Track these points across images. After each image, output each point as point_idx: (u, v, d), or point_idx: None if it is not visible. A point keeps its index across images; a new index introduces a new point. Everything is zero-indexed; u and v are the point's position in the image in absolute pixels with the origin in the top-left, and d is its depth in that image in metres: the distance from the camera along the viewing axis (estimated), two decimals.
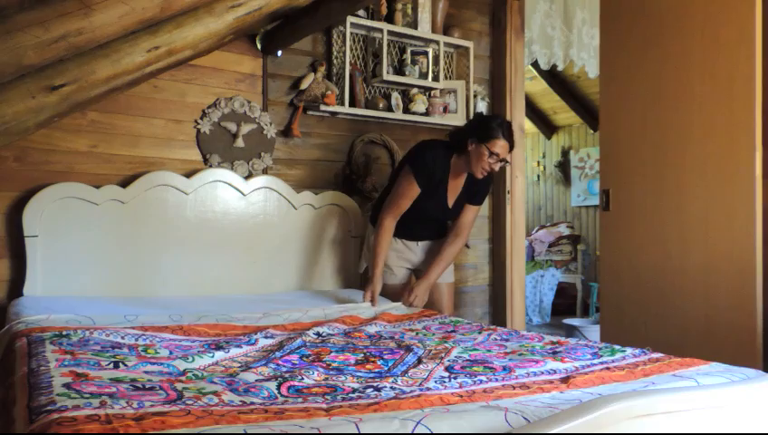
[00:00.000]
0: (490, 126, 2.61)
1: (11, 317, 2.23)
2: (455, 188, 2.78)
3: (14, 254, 2.62)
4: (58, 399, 1.20)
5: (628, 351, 1.79)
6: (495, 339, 2.01)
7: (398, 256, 2.89)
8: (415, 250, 2.92)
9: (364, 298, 2.73)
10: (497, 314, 3.86)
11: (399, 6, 3.47)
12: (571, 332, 5.09)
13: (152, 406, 1.18)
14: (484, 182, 2.77)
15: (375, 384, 1.42)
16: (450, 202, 2.77)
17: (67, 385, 1.30)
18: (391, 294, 2.87)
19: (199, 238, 2.91)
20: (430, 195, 2.72)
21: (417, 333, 2.14)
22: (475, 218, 2.89)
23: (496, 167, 2.63)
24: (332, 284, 3.24)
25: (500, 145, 2.59)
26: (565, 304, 6.53)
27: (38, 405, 1.18)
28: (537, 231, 7.06)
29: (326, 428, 1.07)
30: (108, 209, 2.71)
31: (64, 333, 1.81)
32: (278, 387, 1.39)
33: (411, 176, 2.67)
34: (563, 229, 6.94)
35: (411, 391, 1.36)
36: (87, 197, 2.67)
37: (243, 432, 1.05)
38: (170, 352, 1.72)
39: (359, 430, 1.06)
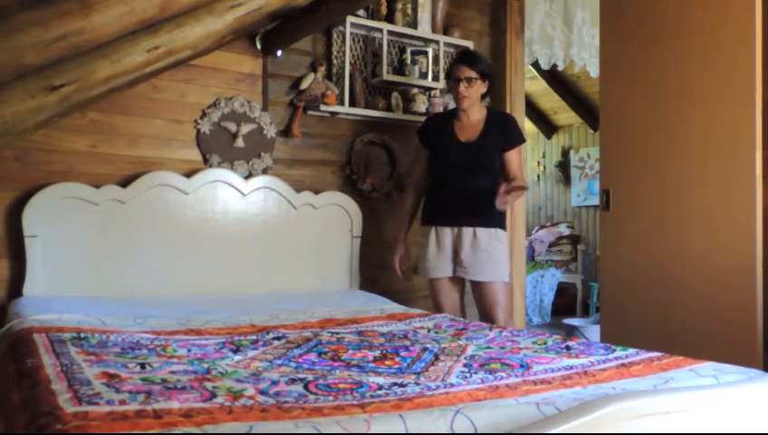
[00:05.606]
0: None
1: (11, 317, 2.23)
2: (466, 129, 2.84)
3: (14, 254, 2.62)
4: (104, 393, 1.21)
5: (630, 350, 1.80)
6: (507, 336, 2.05)
7: (434, 248, 2.73)
8: (453, 239, 2.70)
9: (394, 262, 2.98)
10: None
11: (399, 6, 3.47)
12: (571, 332, 5.08)
13: (192, 404, 1.18)
14: (502, 120, 2.89)
15: (399, 381, 1.44)
16: (462, 139, 2.82)
17: (105, 383, 1.31)
18: (437, 291, 2.85)
19: (199, 238, 2.91)
20: (441, 141, 2.85)
21: (428, 331, 2.17)
22: (522, 165, 2.90)
23: (461, 88, 2.75)
24: (333, 283, 3.24)
25: (458, 70, 2.78)
26: (565, 304, 6.52)
27: (85, 394, 1.19)
28: (537, 231, 7.05)
29: (373, 421, 1.07)
30: (108, 209, 2.71)
31: (82, 335, 1.82)
32: (305, 387, 1.38)
33: (417, 138, 2.98)
34: (563, 229, 6.93)
35: (437, 387, 1.38)
36: (87, 197, 2.67)
37: (294, 428, 1.04)
38: (189, 350, 1.74)
39: (404, 421, 1.08)
